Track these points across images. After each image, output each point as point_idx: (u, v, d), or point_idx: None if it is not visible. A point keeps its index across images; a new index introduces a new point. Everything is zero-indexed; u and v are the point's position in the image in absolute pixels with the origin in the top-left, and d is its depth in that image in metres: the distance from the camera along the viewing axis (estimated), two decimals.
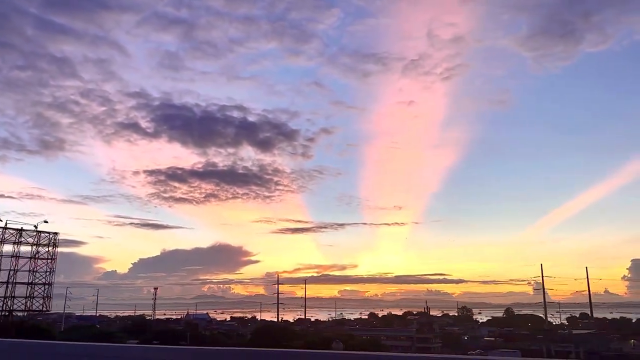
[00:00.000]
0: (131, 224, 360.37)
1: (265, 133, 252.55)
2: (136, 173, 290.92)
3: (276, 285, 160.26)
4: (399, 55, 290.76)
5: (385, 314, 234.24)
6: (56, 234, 79.54)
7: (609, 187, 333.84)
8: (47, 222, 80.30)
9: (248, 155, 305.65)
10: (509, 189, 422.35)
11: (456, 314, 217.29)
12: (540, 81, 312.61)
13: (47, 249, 78.67)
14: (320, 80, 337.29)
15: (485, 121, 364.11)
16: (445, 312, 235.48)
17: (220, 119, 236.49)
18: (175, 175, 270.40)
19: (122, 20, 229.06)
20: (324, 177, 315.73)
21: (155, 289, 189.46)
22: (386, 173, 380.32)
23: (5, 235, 76.11)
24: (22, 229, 77.26)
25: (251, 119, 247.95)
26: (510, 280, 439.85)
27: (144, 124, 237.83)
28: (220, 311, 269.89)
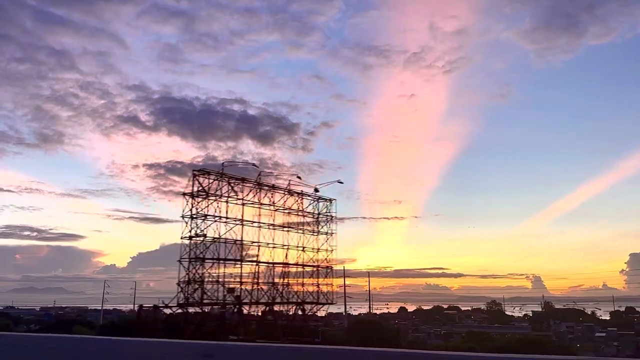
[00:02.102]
0: (130, 218, 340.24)
1: (265, 127, 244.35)
2: (135, 167, 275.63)
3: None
4: (400, 47, 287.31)
5: (415, 308, 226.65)
6: (330, 201, 61.51)
7: (609, 180, 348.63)
8: (341, 182, 61.78)
9: (248, 149, 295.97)
10: (508, 183, 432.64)
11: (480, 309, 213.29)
12: (542, 75, 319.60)
13: (324, 222, 60.74)
14: (321, 74, 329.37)
15: (486, 115, 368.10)
16: (475, 306, 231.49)
17: (220, 112, 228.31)
18: (175, 169, 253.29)
19: (121, 11, 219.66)
20: (324, 171, 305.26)
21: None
22: (386, 167, 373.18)
23: (288, 202, 57.42)
24: (302, 193, 58.76)
25: (251, 112, 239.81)
26: (509, 274, 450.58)
27: (143, 117, 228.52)
28: None
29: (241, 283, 50.83)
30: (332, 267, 59.16)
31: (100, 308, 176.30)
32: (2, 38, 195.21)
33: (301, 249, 57.30)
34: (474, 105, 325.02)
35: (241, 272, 51.10)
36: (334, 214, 60.47)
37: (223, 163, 51.30)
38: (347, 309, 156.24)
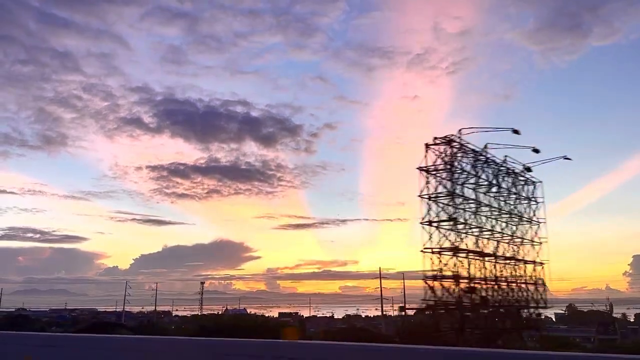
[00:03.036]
0: (133, 219, 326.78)
1: (268, 128, 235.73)
2: (139, 169, 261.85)
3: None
4: (404, 49, 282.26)
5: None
6: (535, 185, 51.01)
7: (613, 181, 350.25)
8: (569, 159, 51.10)
9: (251, 151, 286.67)
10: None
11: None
12: (546, 75, 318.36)
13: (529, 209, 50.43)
14: (324, 75, 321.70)
15: (490, 116, 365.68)
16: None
17: (223, 114, 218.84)
18: (178, 170, 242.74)
19: (124, 13, 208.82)
20: (327, 173, 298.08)
21: (202, 283, 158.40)
22: (389, 168, 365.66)
23: (498, 178, 46.82)
24: (514, 172, 48.22)
25: (254, 114, 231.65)
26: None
27: (146, 119, 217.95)
28: (224, 306, 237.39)
29: (485, 281, 40.35)
30: (543, 264, 49.04)
31: (109, 310, 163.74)
32: (6, 40, 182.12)
33: (516, 239, 47.08)
34: (478, 106, 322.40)
35: (484, 268, 40.59)
36: (540, 200, 50.29)
37: (460, 130, 40.43)
38: (357, 311, 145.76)
